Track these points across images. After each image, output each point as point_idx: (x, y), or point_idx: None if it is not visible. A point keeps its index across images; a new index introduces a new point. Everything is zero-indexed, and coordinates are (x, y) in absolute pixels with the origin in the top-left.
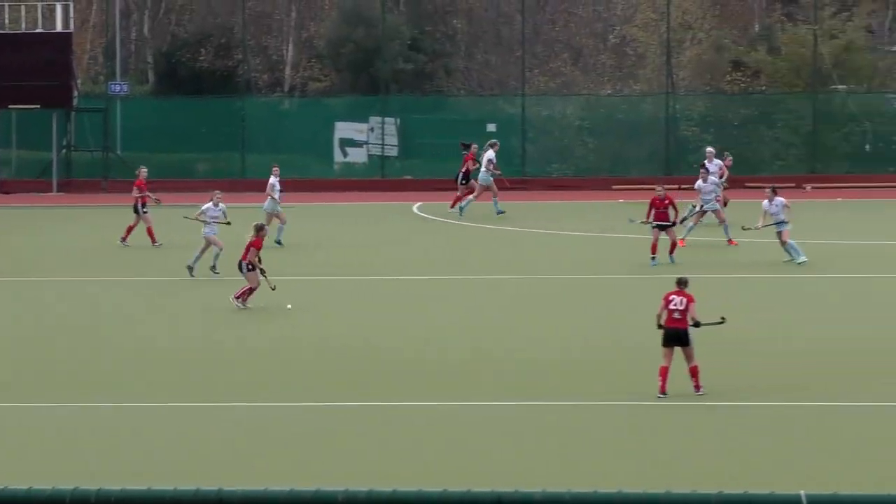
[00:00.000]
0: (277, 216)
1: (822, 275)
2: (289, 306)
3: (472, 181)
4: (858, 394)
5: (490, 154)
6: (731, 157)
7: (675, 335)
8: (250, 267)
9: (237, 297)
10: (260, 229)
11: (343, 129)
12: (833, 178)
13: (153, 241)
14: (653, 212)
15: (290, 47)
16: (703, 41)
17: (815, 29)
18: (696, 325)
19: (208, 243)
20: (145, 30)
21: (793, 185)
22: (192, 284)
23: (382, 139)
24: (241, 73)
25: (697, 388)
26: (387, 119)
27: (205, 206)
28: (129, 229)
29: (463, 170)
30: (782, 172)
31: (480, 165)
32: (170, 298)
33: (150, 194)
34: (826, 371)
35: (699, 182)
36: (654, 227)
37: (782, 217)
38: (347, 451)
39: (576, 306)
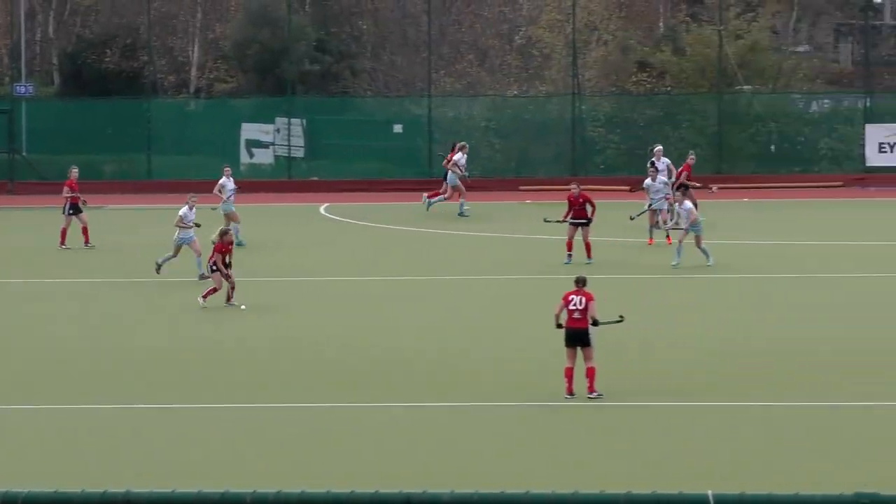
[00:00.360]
0: (229, 215)
1: (731, 275)
2: (243, 307)
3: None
4: (765, 394)
5: (458, 156)
6: (693, 156)
7: (576, 335)
8: (213, 268)
9: (203, 297)
10: (223, 234)
11: (249, 131)
12: (739, 178)
13: (86, 241)
14: (570, 210)
15: (196, 48)
16: (608, 42)
17: (719, 29)
18: (595, 323)
19: (178, 250)
20: (50, 31)
21: (699, 185)
22: (140, 287)
23: (289, 140)
24: (147, 74)
25: (591, 390)
26: (293, 120)
27: (182, 211)
28: (64, 231)
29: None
30: None
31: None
32: (124, 299)
33: (80, 195)
34: (732, 372)
35: (647, 181)
36: (570, 225)
37: (685, 224)
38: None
39: (493, 306)
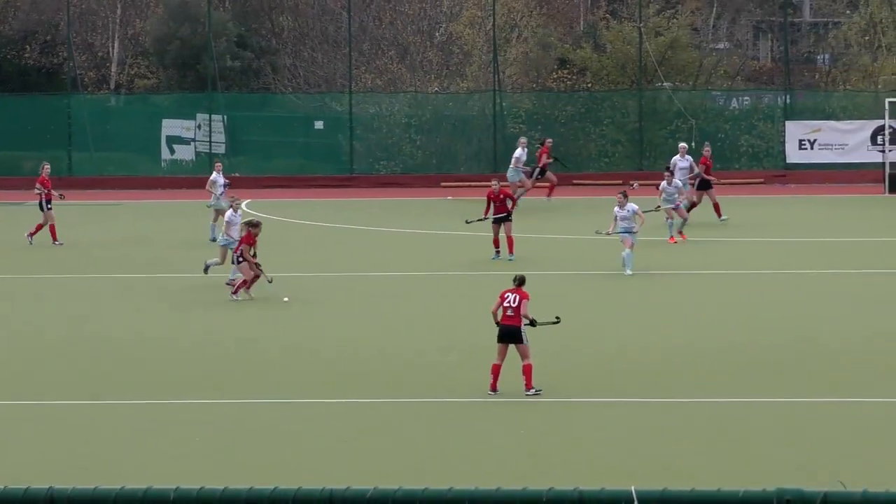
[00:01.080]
0: (221, 212)
1: (657, 272)
2: (285, 299)
3: (549, 174)
4: (691, 390)
5: (518, 152)
6: (708, 147)
7: (508, 332)
8: (240, 259)
9: (233, 293)
10: (254, 226)
11: (170, 127)
12: (660, 175)
13: (54, 239)
14: (491, 206)
15: (116, 44)
16: (528, 39)
17: (639, 26)
18: (532, 323)
19: (224, 254)
20: None
21: (620, 181)
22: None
23: (210, 136)
24: (67, 70)
25: (528, 387)
26: (214, 116)
27: (228, 216)
28: (39, 227)
29: (540, 164)
30: (609, 170)
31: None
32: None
33: (54, 191)
34: (660, 369)
35: (663, 184)
36: (493, 223)
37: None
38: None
39: (422, 303)
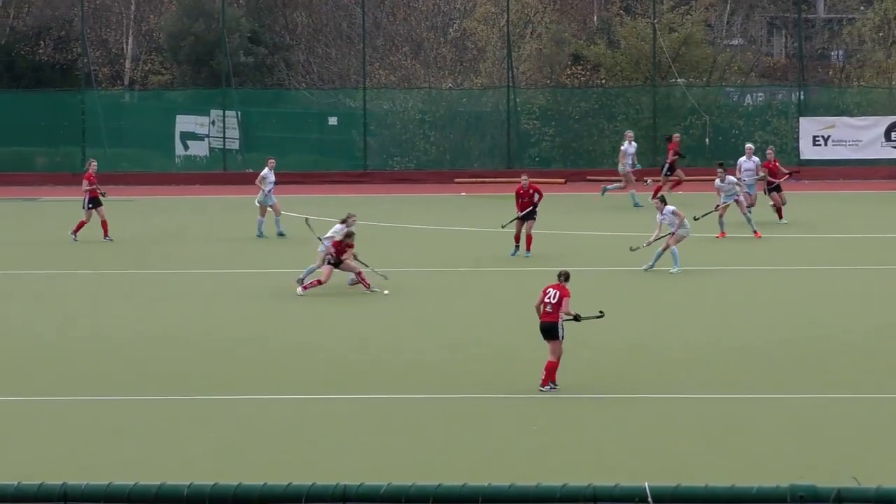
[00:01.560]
0: (272, 208)
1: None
2: (385, 292)
3: (679, 170)
4: (705, 388)
5: (625, 146)
6: (771, 150)
7: (544, 328)
8: (330, 260)
9: (304, 287)
10: (348, 236)
11: (184, 123)
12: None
13: (105, 234)
14: (518, 202)
15: (130, 40)
16: (542, 35)
17: (653, 23)
18: (577, 318)
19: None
20: None
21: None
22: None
23: (224, 132)
24: (81, 66)
25: (544, 383)
26: (228, 112)
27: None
28: (81, 224)
29: (669, 160)
30: None
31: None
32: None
33: (100, 187)
34: (682, 366)
35: (717, 181)
36: (518, 218)
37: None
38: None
39: (437, 299)
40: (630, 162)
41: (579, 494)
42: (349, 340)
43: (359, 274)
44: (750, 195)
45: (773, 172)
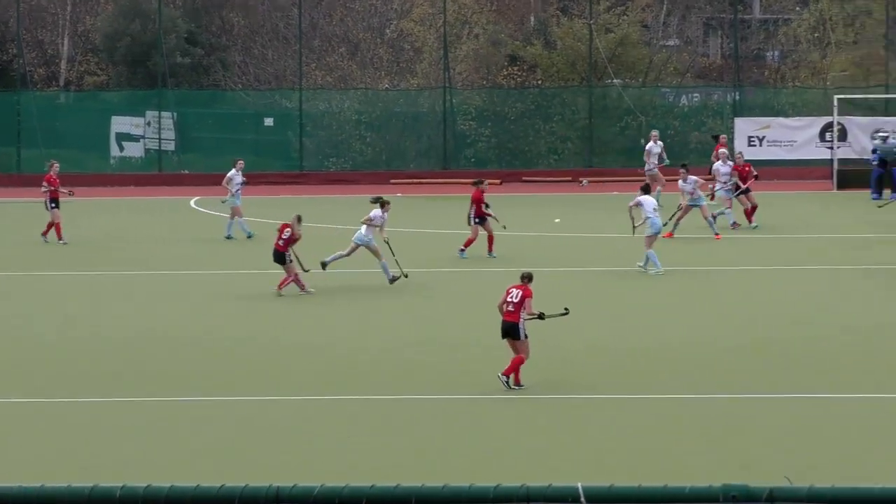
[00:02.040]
0: (233, 209)
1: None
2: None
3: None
4: (658, 387)
5: (650, 145)
6: (741, 154)
7: (506, 328)
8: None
9: (302, 289)
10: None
11: (120, 124)
12: (608, 171)
13: (59, 237)
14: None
15: (66, 41)
16: (479, 36)
17: (590, 23)
18: (541, 317)
19: (353, 249)
20: None
21: (569, 178)
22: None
23: (159, 133)
24: (17, 67)
25: (506, 374)
26: (164, 113)
27: (373, 213)
28: (50, 225)
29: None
30: (558, 166)
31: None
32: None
33: (63, 189)
34: (643, 367)
35: (680, 182)
36: (476, 223)
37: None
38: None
39: (396, 302)
40: (655, 161)
41: (513, 495)
42: (299, 340)
43: (295, 275)
44: (728, 199)
45: (742, 176)
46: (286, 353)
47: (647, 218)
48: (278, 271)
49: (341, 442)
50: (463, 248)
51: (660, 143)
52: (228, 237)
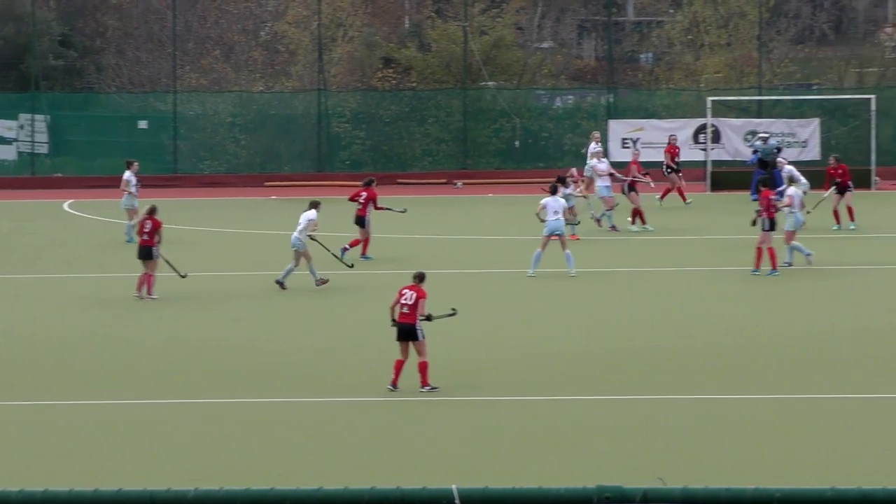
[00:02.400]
0: (128, 211)
1: (482, 270)
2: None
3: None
4: (536, 390)
5: (592, 146)
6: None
7: (403, 330)
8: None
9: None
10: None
11: None
12: (483, 174)
13: None
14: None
15: None
16: (354, 38)
17: (464, 25)
18: (428, 318)
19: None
20: None
21: (444, 181)
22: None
23: (32, 137)
24: None
25: (423, 384)
26: (37, 116)
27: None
28: None
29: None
30: (433, 169)
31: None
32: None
33: None
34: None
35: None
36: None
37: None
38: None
39: (257, 302)
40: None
41: (387, 497)
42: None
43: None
44: (609, 198)
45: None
46: (153, 355)
47: (546, 220)
48: (168, 274)
49: (220, 445)
50: (363, 252)
51: (600, 145)
52: (130, 241)
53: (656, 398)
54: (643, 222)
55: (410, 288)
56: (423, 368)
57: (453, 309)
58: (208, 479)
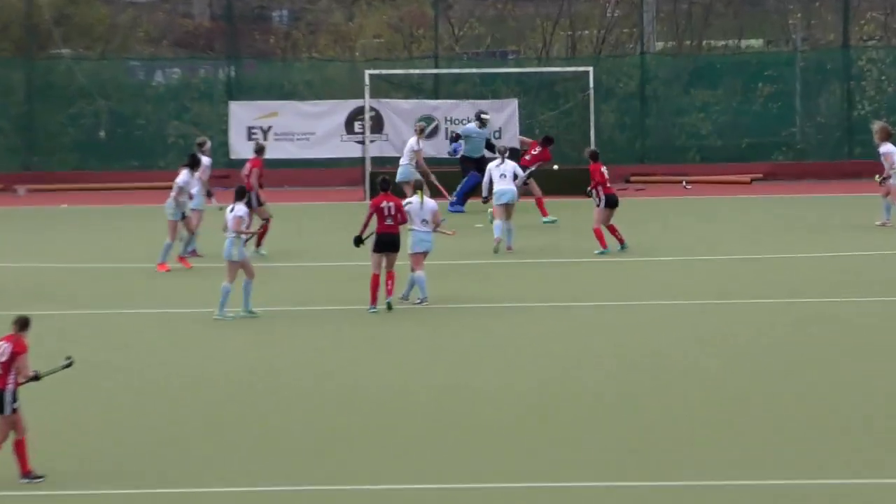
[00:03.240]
0: None
1: None
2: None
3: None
4: None
5: (412, 141)
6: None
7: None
8: None
9: None
10: None
11: None
12: (55, 175)
13: None
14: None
15: None
16: None
17: None
18: (36, 377)
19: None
20: None
21: (0, 187)
22: None
23: None
24: None
25: (24, 471)
26: None
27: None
28: None
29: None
30: None
31: None
32: None
33: None
34: None
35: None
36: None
37: None
38: None
39: None
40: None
41: None
42: None
43: None
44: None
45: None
46: None
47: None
48: None
49: None
50: None
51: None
52: None
53: None
54: None
55: (7, 339)
56: (20, 449)
57: (68, 357)
58: None
